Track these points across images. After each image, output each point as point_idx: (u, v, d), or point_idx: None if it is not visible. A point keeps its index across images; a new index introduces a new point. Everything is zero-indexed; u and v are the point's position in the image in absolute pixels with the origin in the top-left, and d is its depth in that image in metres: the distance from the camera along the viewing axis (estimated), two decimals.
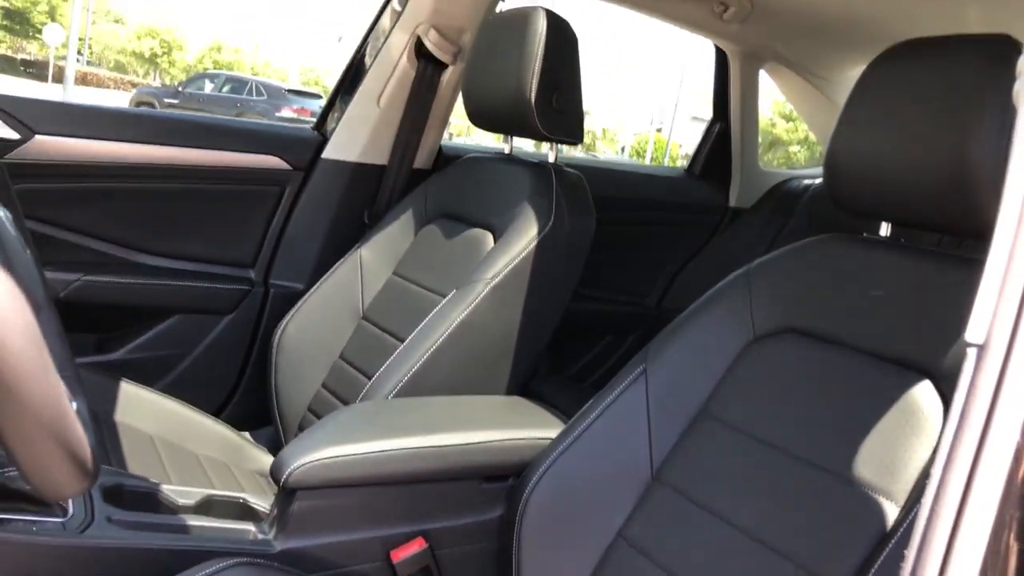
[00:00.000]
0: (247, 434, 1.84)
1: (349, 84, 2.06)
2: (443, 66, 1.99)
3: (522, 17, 1.62)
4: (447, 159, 2.12)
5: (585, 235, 1.62)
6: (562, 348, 2.58)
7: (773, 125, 27.11)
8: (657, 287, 2.64)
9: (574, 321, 2.36)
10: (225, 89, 17.14)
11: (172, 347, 1.95)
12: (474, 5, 1.95)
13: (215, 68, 31.02)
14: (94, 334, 1.93)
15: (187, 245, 1.97)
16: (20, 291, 0.58)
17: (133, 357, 1.92)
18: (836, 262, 1.17)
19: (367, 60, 2.04)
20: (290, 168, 2.00)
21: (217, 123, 2.00)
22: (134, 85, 25.93)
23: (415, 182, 1.96)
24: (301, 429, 1.83)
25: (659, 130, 31.89)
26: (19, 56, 28.39)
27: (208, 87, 17.82)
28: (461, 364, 1.53)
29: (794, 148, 26.90)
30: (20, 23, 28.19)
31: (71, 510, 1.12)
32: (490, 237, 1.65)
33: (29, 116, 1.77)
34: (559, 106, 1.61)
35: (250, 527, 1.23)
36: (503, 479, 1.32)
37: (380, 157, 2.04)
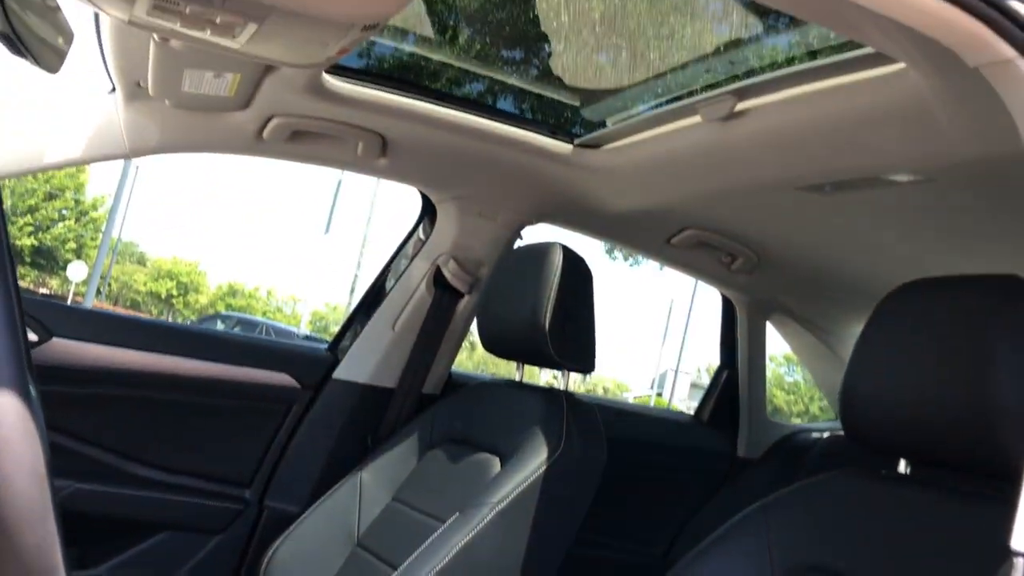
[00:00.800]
0: None
1: (367, 307, 2.11)
2: (459, 296, 2.05)
3: (540, 251, 1.68)
4: (456, 386, 2.13)
5: (596, 464, 1.59)
6: None
7: (773, 396, 27.32)
8: (664, 536, 2.54)
9: (575, 568, 2.25)
10: (235, 331, 17.54)
11: (157, 566, 1.85)
12: (494, 241, 2.04)
13: (227, 311, 31.93)
14: (78, 546, 1.84)
15: (185, 458, 1.93)
16: (38, 435, 0.56)
17: (116, 575, 1.82)
18: (856, 498, 1.13)
19: (388, 284, 2.11)
20: (299, 387, 2.00)
21: (231, 337, 2.03)
22: None
23: (422, 407, 1.96)
24: None
25: (659, 394, 32.15)
26: (40, 290, 29.36)
27: (219, 328, 18.28)
28: None
29: (796, 420, 26.95)
30: (47, 260, 29.47)
31: None
32: (497, 462, 1.62)
33: (49, 318, 1.80)
34: (572, 335, 1.64)
35: None
36: None
37: (390, 380, 2.04)
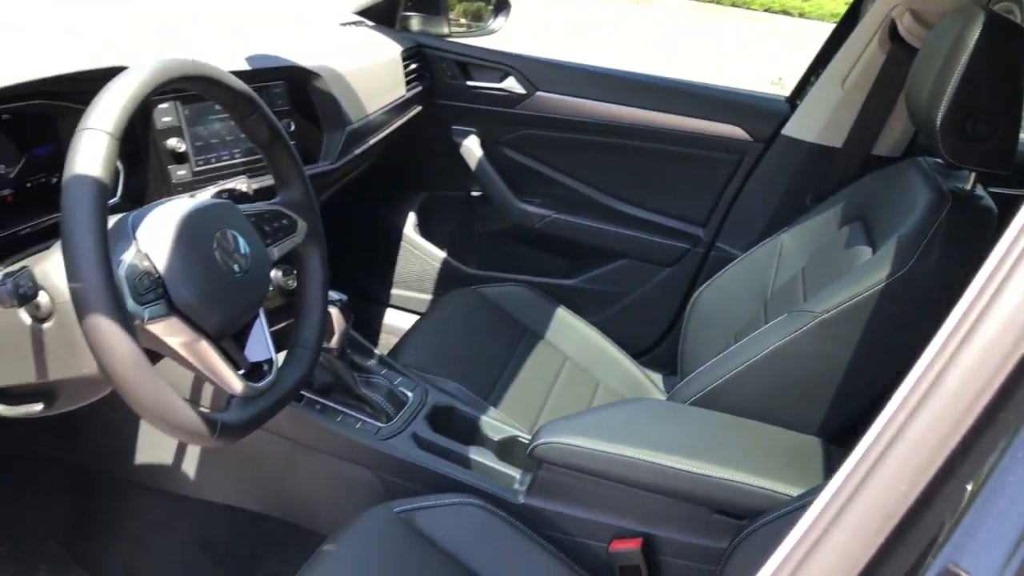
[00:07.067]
0: (659, 378, 2.02)
1: (823, 60, 1.98)
2: (915, 52, 1.78)
3: (960, 16, 1.38)
4: (924, 149, 1.90)
5: (951, 286, 1.39)
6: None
7: None
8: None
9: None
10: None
11: (615, 286, 2.22)
12: None
13: None
14: (565, 259, 2.29)
15: (648, 197, 2.18)
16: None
17: (584, 287, 2.24)
18: None
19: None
20: (750, 140, 2.04)
21: (689, 89, 2.12)
22: None
23: (869, 170, 1.83)
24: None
25: None
26: None
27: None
28: (766, 391, 1.50)
29: None
30: None
31: (395, 419, 1.51)
32: (868, 258, 1.51)
33: (534, 75, 2.13)
34: (974, 134, 1.37)
35: (517, 474, 1.48)
36: (738, 516, 1.32)
37: (836, 140, 1.94)
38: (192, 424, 0.92)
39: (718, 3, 12.96)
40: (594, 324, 2.02)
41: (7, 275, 0.94)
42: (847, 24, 1.95)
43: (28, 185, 1.19)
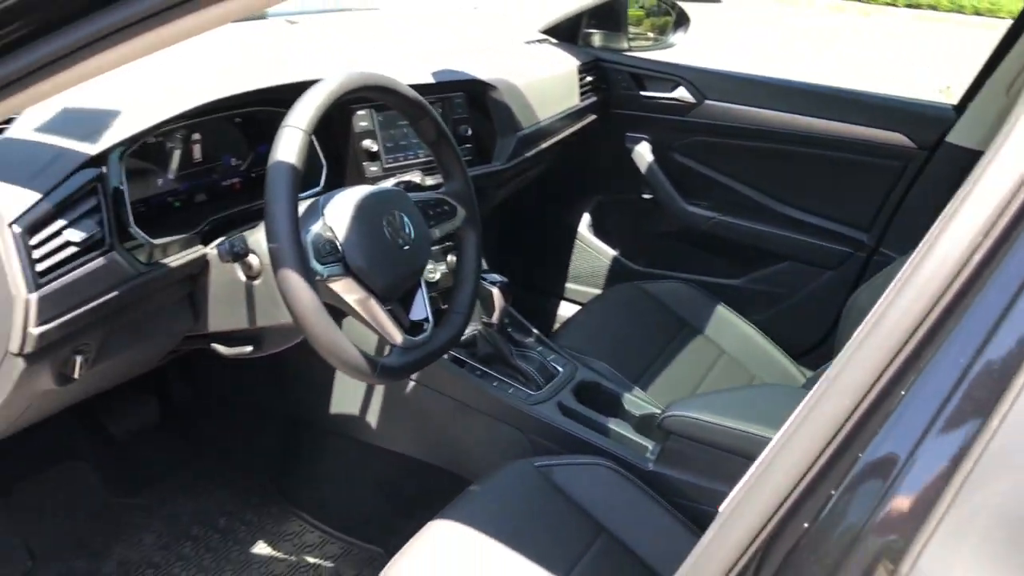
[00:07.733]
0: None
1: (990, 67, 1.97)
2: None
3: None
4: None
5: None
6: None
7: None
8: None
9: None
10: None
11: (778, 287, 2.30)
12: None
13: None
14: (730, 260, 2.40)
15: (812, 201, 2.25)
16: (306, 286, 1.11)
17: (747, 287, 2.34)
18: None
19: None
20: (914, 147, 2.07)
21: (853, 96, 2.17)
22: None
23: None
24: None
25: None
26: None
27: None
28: None
29: None
30: None
31: (543, 388, 1.71)
32: None
33: (703, 85, 2.27)
34: None
35: (650, 445, 1.63)
36: None
37: None
38: (357, 362, 1.17)
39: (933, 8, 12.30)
40: (755, 323, 2.12)
41: (227, 238, 1.24)
42: (1017, 31, 1.94)
43: (252, 175, 1.49)
